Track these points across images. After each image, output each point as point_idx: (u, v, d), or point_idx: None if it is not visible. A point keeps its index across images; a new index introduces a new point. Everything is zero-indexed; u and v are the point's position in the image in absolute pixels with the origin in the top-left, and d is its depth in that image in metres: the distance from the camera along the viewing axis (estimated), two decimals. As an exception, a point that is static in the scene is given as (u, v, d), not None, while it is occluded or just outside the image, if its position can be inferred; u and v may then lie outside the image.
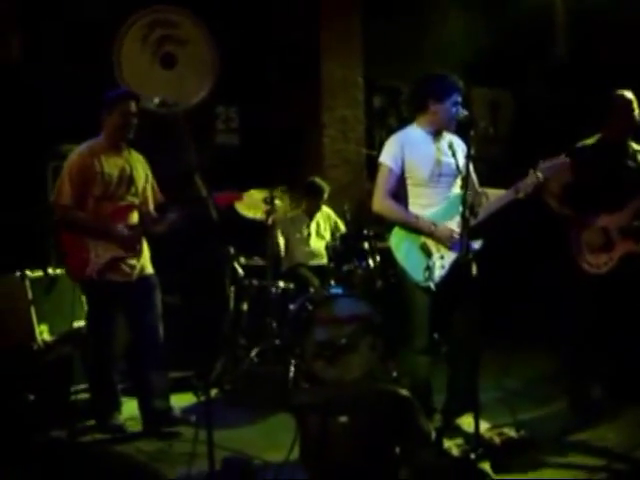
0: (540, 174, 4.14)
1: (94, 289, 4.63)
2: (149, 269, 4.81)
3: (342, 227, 6.57)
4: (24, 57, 6.22)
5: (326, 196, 6.53)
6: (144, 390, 4.77)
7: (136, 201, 4.74)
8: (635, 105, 4.77)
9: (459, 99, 4.33)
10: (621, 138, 4.86)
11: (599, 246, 4.70)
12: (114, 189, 4.63)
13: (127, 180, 4.68)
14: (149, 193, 4.87)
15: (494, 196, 4.34)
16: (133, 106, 4.64)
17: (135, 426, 4.77)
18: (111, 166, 4.63)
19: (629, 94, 4.79)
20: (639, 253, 4.64)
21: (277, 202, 5.74)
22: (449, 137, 4.44)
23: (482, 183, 4.58)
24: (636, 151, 4.88)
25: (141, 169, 4.82)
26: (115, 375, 4.79)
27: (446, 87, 4.36)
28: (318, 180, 6.58)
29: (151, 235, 4.82)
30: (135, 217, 4.75)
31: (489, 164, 4.80)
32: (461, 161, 4.22)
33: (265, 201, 5.71)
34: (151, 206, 4.88)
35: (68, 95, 5.91)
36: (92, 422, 4.80)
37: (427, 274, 4.18)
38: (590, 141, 4.89)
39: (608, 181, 4.74)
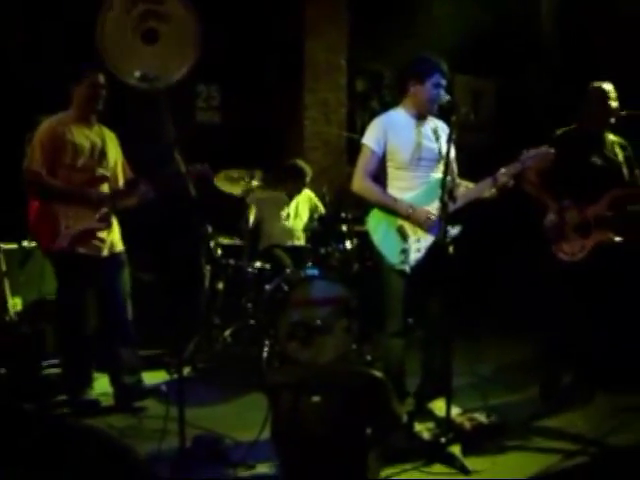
0: (520, 164, 4.16)
1: (63, 262, 4.58)
2: (119, 246, 4.80)
3: (322, 209, 6.54)
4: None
5: (308, 179, 6.49)
6: (114, 366, 4.78)
7: (107, 174, 4.73)
8: (612, 96, 4.78)
9: (441, 81, 4.32)
10: (598, 129, 4.88)
11: (574, 234, 4.73)
12: (85, 160, 4.60)
13: (98, 153, 4.67)
14: (119, 170, 4.86)
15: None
16: (101, 78, 4.65)
17: (107, 401, 4.76)
18: (81, 137, 4.62)
19: (606, 85, 4.81)
20: (612, 243, 4.69)
21: (255, 182, 5.70)
22: (435, 122, 4.44)
23: (462, 171, 4.60)
24: (613, 142, 4.91)
25: (112, 146, 4.82)
26: (87, 350, 4.77)
27: (426, 68, 4.35)
28: (300, 163, 6.50)
29: (122, 210, 4.79)
30: (106, 189, 4.74)
31: (469, 152, 4.80)
32: (444, 147, 4.22)
33: (244, 179, 5.68)
34: (121, 182, 4.86)
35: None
36: (64, 397, 4.77)
37: (403, 257, 4.18)
38: (566, 130, 4.90)
39: (585, 171, 4.77)
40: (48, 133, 4.55)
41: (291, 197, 6.50)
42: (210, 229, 5.94)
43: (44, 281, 5.00)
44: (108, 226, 4.69)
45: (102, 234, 4.65)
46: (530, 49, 8.33)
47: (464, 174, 4.57)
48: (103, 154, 4.69)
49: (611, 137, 4.92)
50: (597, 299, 4.75)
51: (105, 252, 4.67)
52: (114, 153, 4.80)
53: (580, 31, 7.74)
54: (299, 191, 6.51)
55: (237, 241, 6.19)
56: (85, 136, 4.64)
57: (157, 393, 4.72)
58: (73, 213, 4.53)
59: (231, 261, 5.89)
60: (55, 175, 4.53)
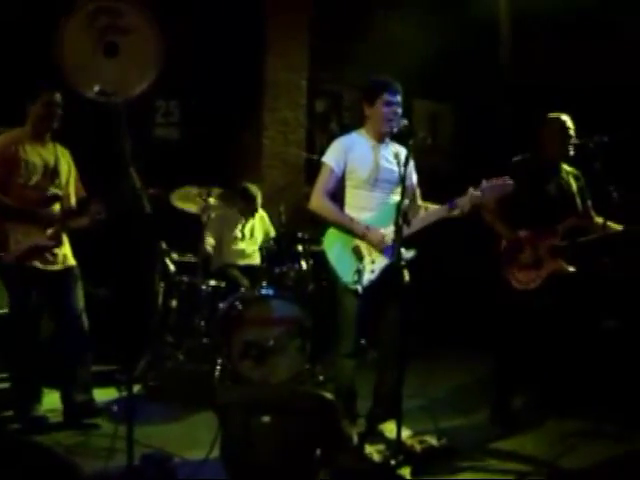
0: (479, 193, 4.19)
1: (13, 274, 4.53)
2: (72, 260, 4.76)
3: (272, 233, 6.59)
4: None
5: (259, 201, 6.53)
6: (67, 382, 4.72)
7: (59, 192, 4.69)
8: (571, 126, 4.84)
9: (390, 98, 4.36)
10: (555, 159, 4.93)
11: (528, 263, 4.77)
12: (38, 179, 4.58)
13: (51, 172, 4.65)
14: (72, 188, 4.83)
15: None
16: (57, 97, 4.61)
17: (56, 418, 4.69)
18: (35, 155, 4.60)
19: (564, 117, 4.87)
20: (566, 272, 4.74)
21: (212, 200, 5.69)
22: (397, 147, 4.49)
23: (422, 194, 4.64)
24: (568, 172, 4.97)
25: (65, 163, 4.79)
26: (37, 365, 4.70)
27: (373, 89, 4.43)
28: (250, 187, 6.55)
29: (74, 229, 4.75)
30: (58, 208, 4.70)
31: (427, 174, 4.83)
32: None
33: (200, 196, 5.66)
34: (73, 200, 4.83)
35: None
36: (11, 413, 4.69)
37: (356, 277, 4.19)
38: (522, 158, 4.94)
39: (540, 199, 4.81)
40: (1, 151, 4.52)
41: (246, 218, 6.52)
42: (164, 245, 5.91)
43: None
44: (58, 244, 4.65)
45: (54, 249, 4.61)
46: (489, 71, 8.43)
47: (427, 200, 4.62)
48: (56, 172, 4.67)
49: (566, 167, 4.97)
50: (550, 326, 4.80)
51: (58, 266, 4.63)
52: (66, 170, 4.77)
53: (539, 56, 7.87)
54: (252, 213, 6.54)
55: (191, 258, 6.16)
56: (38, 154, 4.61)
57: (108, 412, 4.66)
58: (23, 229, 4.48)
59: (185, 278, 5.85)
60: (7, 192, 4.50)
